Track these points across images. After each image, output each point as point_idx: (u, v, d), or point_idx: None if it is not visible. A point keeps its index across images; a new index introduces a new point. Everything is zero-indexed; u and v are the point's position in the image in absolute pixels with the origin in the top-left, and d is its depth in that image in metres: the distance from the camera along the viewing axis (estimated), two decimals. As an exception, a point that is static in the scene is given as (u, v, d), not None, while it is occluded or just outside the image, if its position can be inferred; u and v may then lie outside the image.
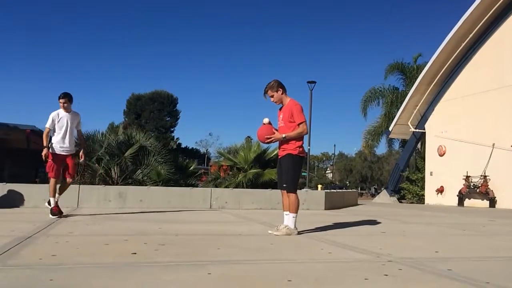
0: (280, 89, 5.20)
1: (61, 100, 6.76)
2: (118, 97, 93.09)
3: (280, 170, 5.22)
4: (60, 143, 6.73)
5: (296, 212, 5.06)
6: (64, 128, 6.74)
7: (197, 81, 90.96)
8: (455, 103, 19.35)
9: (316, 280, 2.72)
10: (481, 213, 11.55)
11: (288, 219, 5.04)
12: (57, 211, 6.65)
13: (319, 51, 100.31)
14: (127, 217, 7.04)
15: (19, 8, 73.56)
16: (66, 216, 6.83)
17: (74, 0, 79.25)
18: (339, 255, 3.77)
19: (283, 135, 5.02)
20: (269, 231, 5.12)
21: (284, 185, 5.07)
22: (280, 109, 5.29)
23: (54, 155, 6.69)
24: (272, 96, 5.21)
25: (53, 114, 6.74)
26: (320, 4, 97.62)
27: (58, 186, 6.79)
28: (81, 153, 7.03)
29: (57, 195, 6.75)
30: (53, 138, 6.75)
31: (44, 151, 6.61)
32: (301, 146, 5.13)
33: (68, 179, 6.88)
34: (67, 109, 6.81)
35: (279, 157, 5.24)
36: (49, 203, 6.73)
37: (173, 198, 10.04)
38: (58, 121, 6.73)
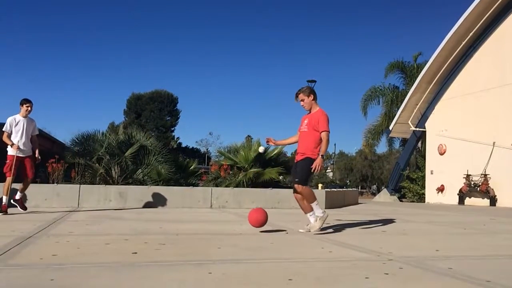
0: (312, 95, 5.31)
1: (27, 104, 7.42)
2: (119, 96, 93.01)
3: (294, 173, 5.30)
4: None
5: (316, 199, 5.21)
6: (20, 132, 7.31)
7: (197, 81, 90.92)
8: (455, 102, 19.35)
9: (317, 279, 2.72)
10: (482, 212, 11.55)
11: (314, 208, 5.18)
12: (5, 209, 7.15)
13: (319, 50, 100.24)
14: (127, 217, 7.04)
15: (19, 7, 73.57)
16: (7, 214, 7.12)
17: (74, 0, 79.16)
18: (339, 254, 3.77)
19: (321, 155, 5.09)
20: (300, 230, 5.22)
21: (296, 180, 5.18)
22: (306, 115, 5.40)
23: (12, 156, 7.21)
24: (302, 100, 5.30)
25: (10, 119, 7.35)
26: (320, 4, 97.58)
27: (20, 185, 7.41)
28: (36, 153, 7.53)
29: (19, 193, 7.35)
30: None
31: (15, 146, 7.19)
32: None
33: (29, 178, 7.38)
34: (27, 114, 7.45)
35: (296, 161, 5.32)
36: (20, 205, 7.41)
37: (174, 198, 10.05)
38: (16, 125, 7.32)
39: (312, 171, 5.11)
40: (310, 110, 5.35)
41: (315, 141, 5.17)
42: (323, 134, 5.15)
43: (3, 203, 7.12)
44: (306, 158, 5.17)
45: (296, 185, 5.20)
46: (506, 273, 3.10)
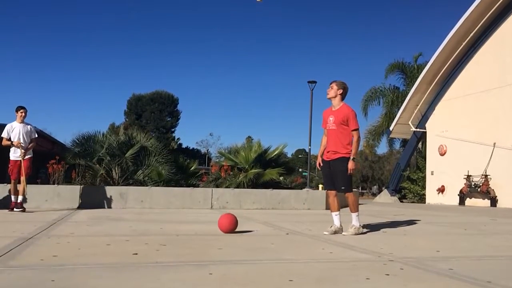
0: (342, 90, 5.35)
1: (21, 111, 8.01)
2: (119, 97, 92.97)
3: (329, 172, 5.33)
4: (14, 151, 7.91)
5: (358, 210, 5.35)
6: (17, 137, 7.86)
7: (197, 81, 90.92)
8: (456, 102, 19.34)
9: (317, 280, 2.72)
10: (482, 212, 11.54)
11: (353, 218, 5.29)
12: (13, 206, 7.77)
13: (319, 50, 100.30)
14: (128, 218, 7.04)
15: (19, 7, 73.57)
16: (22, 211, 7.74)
17: (74, 0, 79.14)
18: (340, 255, 3.76)
19: (352, 158, 5.15)
20: (325, 232, 5.22)
21: (343, 188, 5.25)
22: (327, 110, 5.42)
23: (12, 161, 7.87)
24: (331, 88, 5.36)
25: (7, 126, 7.97)
26: (319, 3, 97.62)
27: (18, 186, 7.89)
28: (26, 147, 7.94)
29: (20, 196, 7.80)
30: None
31: (15, 143, 7.81)
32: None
33: (22, 178, 7.79)
34: (22, 119, 8.00)
35: (327, 159, 5.32)
36: (20, 206, 7.78)
37: (174, 199, 10.05)
38: (12, 131, 7.89)
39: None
40: (332, 103, 5.36)
41: (345, 137, 5.22)
42: (355, 133, 5.20)
43: (12, 201, 7.86)
44: (342, 158, 5.17)
45: (331, 193, 5.33)
46: (507, 273, 3.09)
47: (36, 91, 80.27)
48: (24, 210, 7.76)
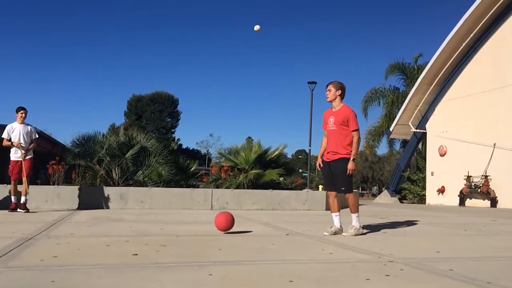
0: (340, 90, 5.34)
1: (21, 111, 8.05)
2: (119, 97, 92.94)
3: (329, 173, 5.33)
4: (14, 151, 7.95)
5: (358, 211, 5.34)
6: (17, 138, 7.90)
7: (197, 82, 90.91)
8: (456, 103, 19.35)
9: (318, 280, 2.72)
10: (483, 213, 11.54)
11: (353, 219, 5.28)
12: (14, 207, 7.83)
13: (319, 50, 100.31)
14: (128, 218, 7.04)
15: (19, 7, 73.58)
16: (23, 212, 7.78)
17: (74, 0, 79.16)
18: (340, 256, 3.76)
19: (352, 158, 5.14)
20: (325, 233, 5.21)
21: (343, 188, 5.24)
22: (328, 111, 5.41)
23: (12, 161, 7.93)
24: (329, 90, 5.34)
25: (7, 127, 8.02)
26: (319, 3, 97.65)
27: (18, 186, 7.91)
28: (26, 147, 7.96)
29: (22, 197, 7.83)
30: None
31: (15, 144, 7.85)
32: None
33: (24, 178, 7.83)
34: (23, 120, 8.03)
35: (327, 160, 5.31)
36: (23, 207, 7.84)
37: (174, 199, 10.05)
38: (13, 132, 7.93)
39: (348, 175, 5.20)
40: (332, 104, 5.35)
41: (345, 138, 5.20)
42: (355, 134, 5.19)
43: (12, 202, 7.88)
44: (342, 158, 5.16)
45: (331, 193, 5.34)
46: (507, 274, 3.09)
47: (36, 91, 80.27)
48: (28, 211, 7.80)
